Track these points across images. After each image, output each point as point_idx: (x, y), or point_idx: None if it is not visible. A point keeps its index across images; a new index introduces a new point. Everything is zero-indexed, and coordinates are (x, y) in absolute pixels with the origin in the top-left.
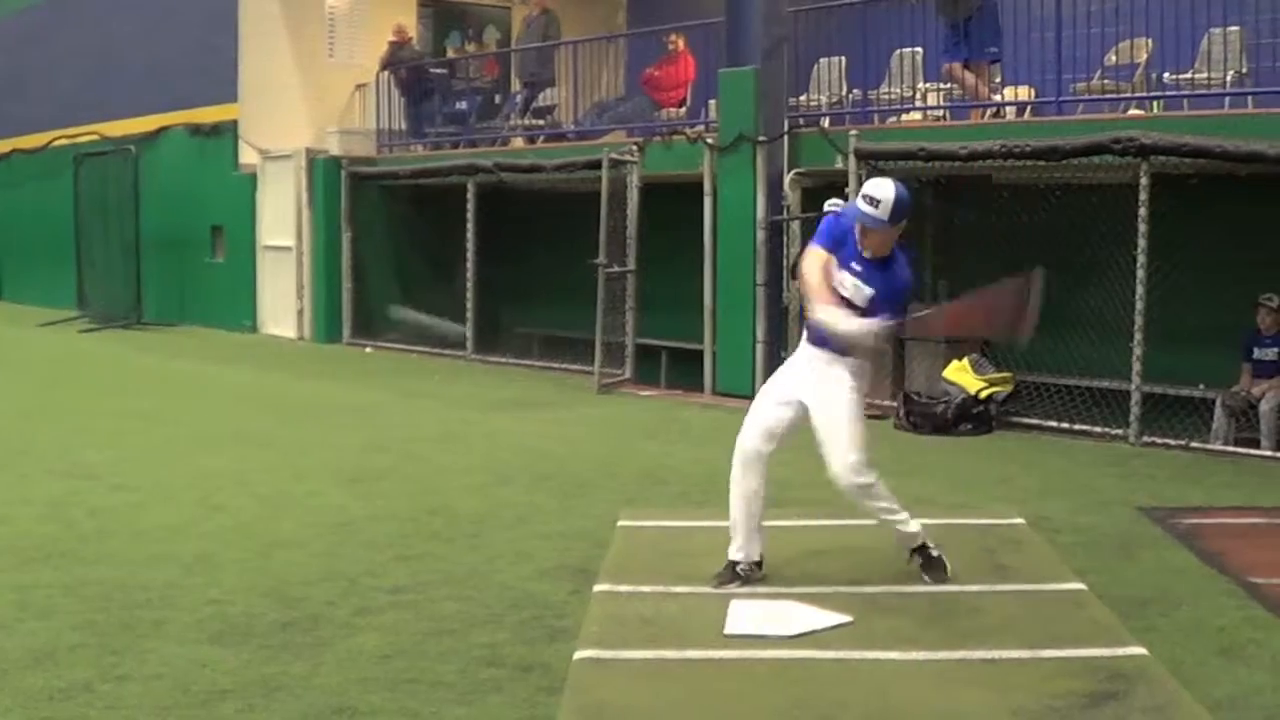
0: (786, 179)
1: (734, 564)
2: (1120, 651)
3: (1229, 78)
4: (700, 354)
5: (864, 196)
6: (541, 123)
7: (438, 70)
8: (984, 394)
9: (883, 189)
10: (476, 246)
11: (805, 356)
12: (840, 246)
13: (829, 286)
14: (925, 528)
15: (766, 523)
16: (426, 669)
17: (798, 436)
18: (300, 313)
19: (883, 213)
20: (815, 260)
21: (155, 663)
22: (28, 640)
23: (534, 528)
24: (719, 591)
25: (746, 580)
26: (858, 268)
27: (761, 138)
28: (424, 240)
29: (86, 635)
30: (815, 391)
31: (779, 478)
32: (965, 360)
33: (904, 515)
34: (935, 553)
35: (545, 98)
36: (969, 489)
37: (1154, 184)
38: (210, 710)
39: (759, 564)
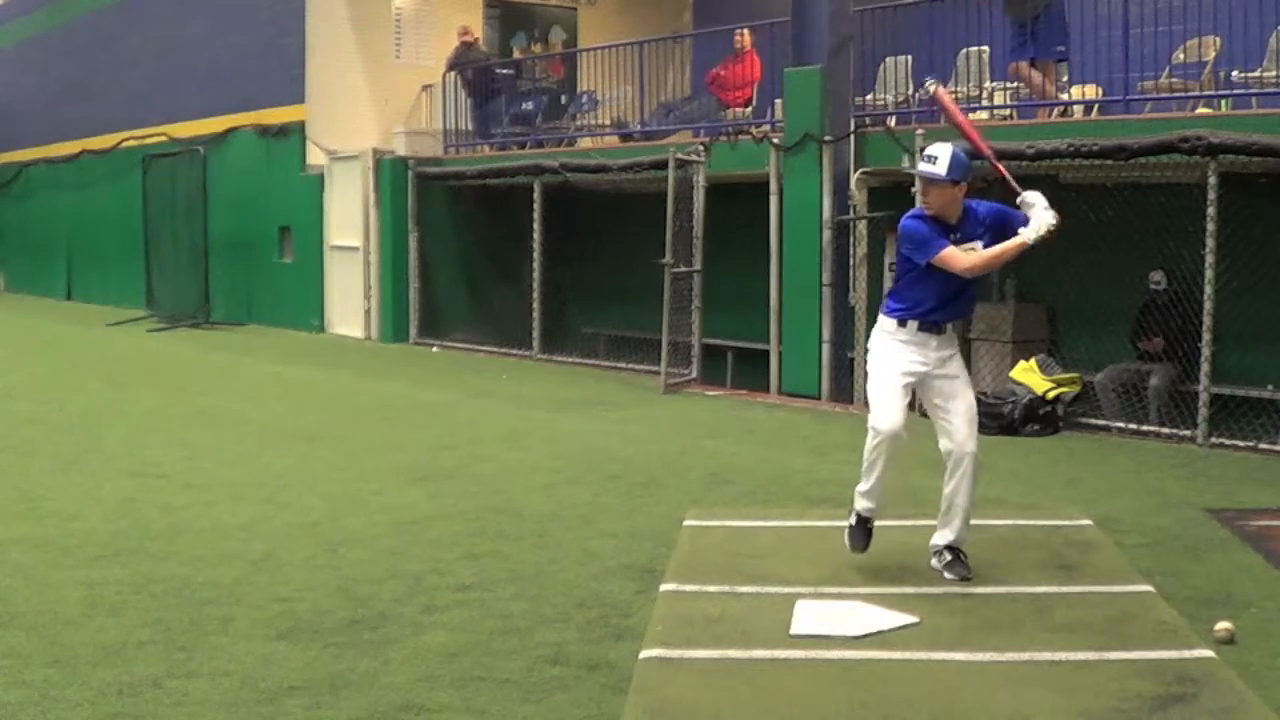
0: (853, 179)
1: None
2: (1188, 654)
3: None
4: (766, 354)
5: (924, 155)
6: (608, 123)
7: (504, 71)
8: (1051, 394)
9: (940, 148)
10: (543, 246)
11: None
12: (940, 235)
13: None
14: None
15: (828, 523)
16: (493, 667)
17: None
18: (367, 312)
19: (940, 168)
20: (953, 256)
21: (223, 659)
22: (97, 636)
23: (600, 527)
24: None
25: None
26: (955, 237)
27: (827, 137)
28: (490, 240)
29: (155, 632)
30: None
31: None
32: (1033, 360)
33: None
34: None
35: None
36: (1036, 490)
37: (1222, 183)
38: (277, 707)
39: None
